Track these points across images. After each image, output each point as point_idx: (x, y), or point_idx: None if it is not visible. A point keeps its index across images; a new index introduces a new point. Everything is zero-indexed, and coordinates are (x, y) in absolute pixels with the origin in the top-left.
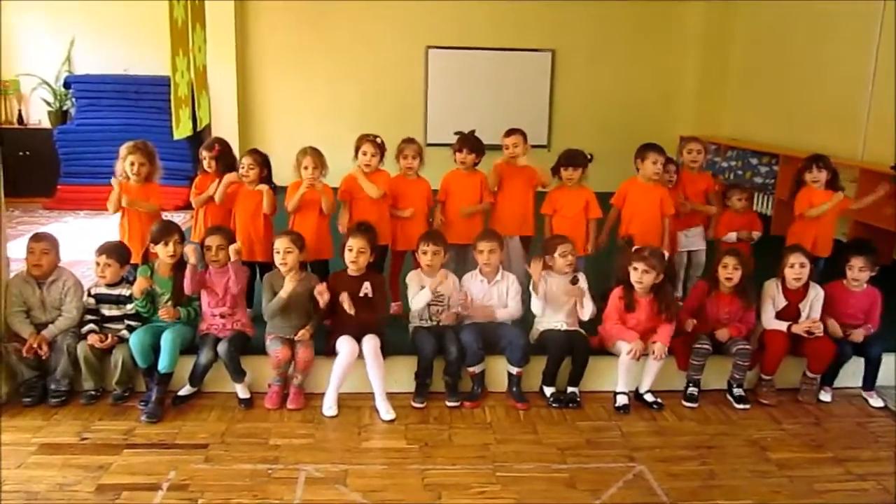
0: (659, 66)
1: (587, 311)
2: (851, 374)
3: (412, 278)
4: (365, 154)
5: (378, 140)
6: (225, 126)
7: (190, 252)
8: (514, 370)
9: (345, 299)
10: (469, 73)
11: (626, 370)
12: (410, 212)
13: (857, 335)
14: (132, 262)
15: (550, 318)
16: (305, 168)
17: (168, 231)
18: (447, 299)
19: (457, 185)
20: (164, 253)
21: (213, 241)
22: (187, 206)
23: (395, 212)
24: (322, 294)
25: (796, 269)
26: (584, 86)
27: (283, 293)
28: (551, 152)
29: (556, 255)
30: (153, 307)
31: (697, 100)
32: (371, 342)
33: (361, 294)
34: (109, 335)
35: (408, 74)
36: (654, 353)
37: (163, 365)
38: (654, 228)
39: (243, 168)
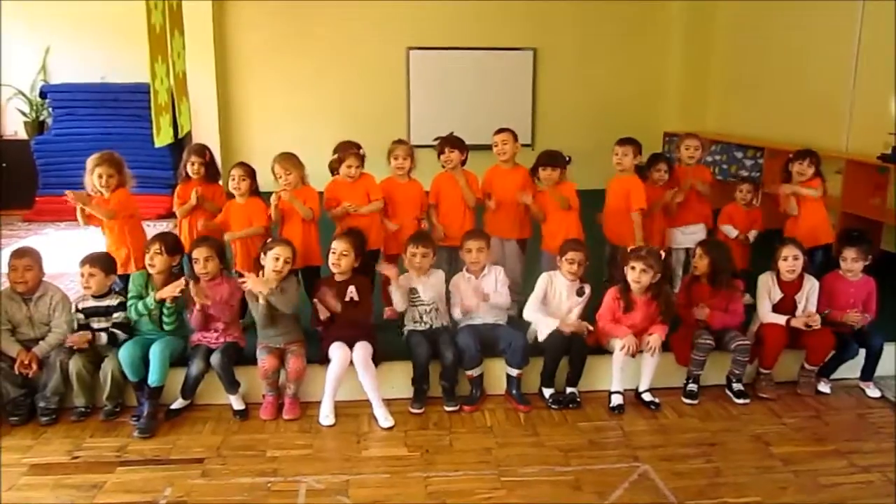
0: (642, 63)
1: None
2: (848, 365)
3: (402, 280)
4: (350, 167)
5: (361, 152)
6: (206, 132)
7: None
8: (515, 372)
9: (326, 295)
10: (451, 74)
11: (620, 368)
12: (396, 226)
13: (855, 320)
14: (120, 272)
15: (547, 322)
16: (279, 177)
17: (150, 241)
18: (434, 299)
19: (447, 188)
20: (146, 261)
21: (200, 252)
22: (170, 215)
23: (385, 221)
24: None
25: (790, 261)
26: (567, 84)
27: (262, 299)
28: (535, 151)
29: (563, 259)
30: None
31: (681, 95)
32: (361, 350)
33: (347, 298)
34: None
35: (389, 76)
36: (648, 345)
37: (153, 378)
38: (621, 219)
39: (234, 180)
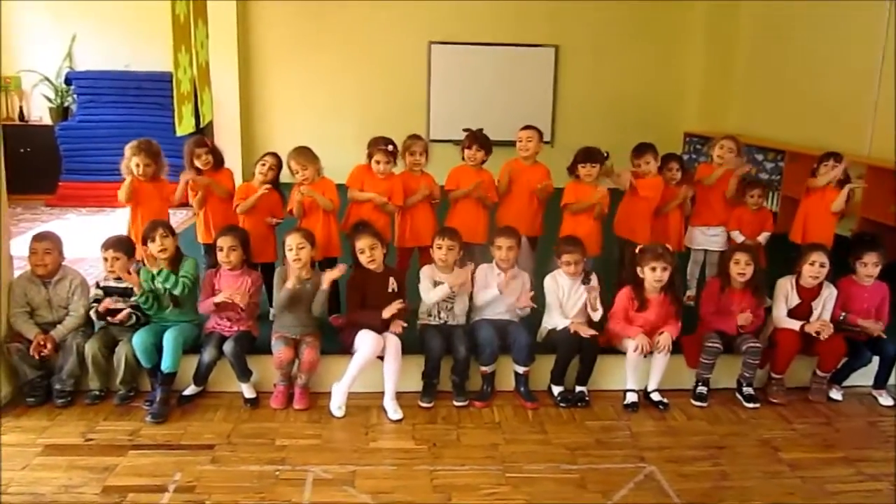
0: (663, 62)
1: (598, 313)
2: (861, 372)
3: (426, 272)
4: (378, 163)
5: (390, 148)
6: (227, 123)
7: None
8: (521, 369)
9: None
10: (472, 69)
11: (634, 368)
12: (392, 207)
13: (872, 328)
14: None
15: (559, 318)
16: (296, 172)
17: (152, 227)
18: (457, 295)
19: (465, 183)
20: (155, 249)
21: (225, 241)
22: (189, 203)
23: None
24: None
25: (816, 267)
26: (588, 82)
27: (289, 284)
28: (555, 148)
29: (560, 261)
30: (157, 304)
31: (702, 95)
32: (394, 340)
33: (389, 290)
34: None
35: (410, 70)
36: (658, 344)
37: (166, 364)
38: (643, 222)
39: (264, 166)
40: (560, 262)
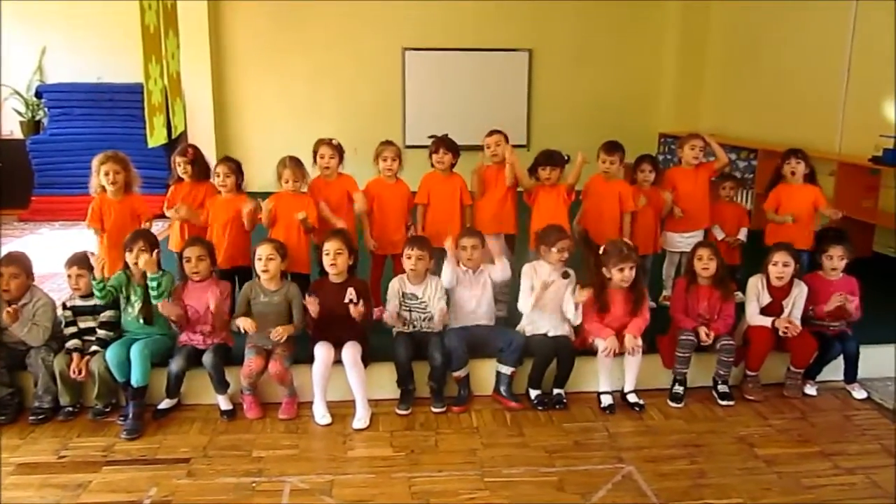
0: (637, 64)
1: (578, 313)
2: (834, 367)
3: (393, 286)
4: (322, 157)
5: (334, 142)
6: (201, 132)
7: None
8: (509, 370)
9: (310, 302)
10: (446, 74)
11: (606, 369)
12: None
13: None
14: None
15: (537, 323)
16: (286, 182)
17: (134, 239)
18: (430, 304)
19: (437, 188)
20: (129, 260)
21: (193, 252)
22: (164, 215)
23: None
24: (311, 304)
25: (779, 267)
26: (562, 85)
27: (242, 325)
28: (530, 152)
29: (553, 249)
30: (113, 298)
31: (676, 96)
32: (350, 350)
33: (346, 300)
34: (83, 368)
35: (385, 76)
36: (626, 347)
37: (135, 378)
38: (611, 224)
39: (219, 177)
40: (553, 249)
